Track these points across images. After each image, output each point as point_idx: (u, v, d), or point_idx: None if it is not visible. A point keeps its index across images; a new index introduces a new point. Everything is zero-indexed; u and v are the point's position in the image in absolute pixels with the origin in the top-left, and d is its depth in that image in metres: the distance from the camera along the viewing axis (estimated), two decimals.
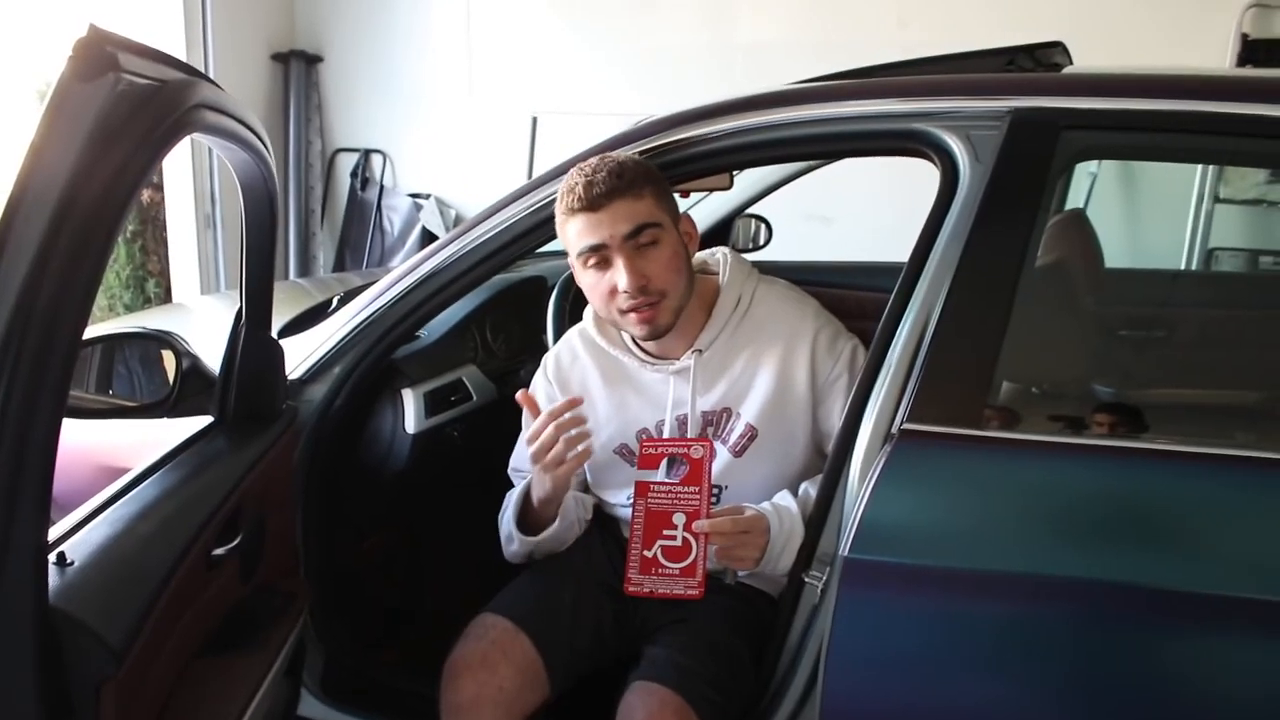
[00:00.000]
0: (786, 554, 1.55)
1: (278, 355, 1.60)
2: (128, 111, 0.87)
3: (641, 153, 1.63)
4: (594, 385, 1.77)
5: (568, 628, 1.68)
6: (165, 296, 5.08)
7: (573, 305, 2.18)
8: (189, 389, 1.56)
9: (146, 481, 1.28)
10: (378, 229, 5.11)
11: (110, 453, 1.93)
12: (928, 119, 1.48)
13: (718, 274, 1.74)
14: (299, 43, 5.12)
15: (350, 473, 1.91)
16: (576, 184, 1.56)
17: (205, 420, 1.57)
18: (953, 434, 1.34)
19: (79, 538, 1.10)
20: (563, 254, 2.75)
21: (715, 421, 1.70)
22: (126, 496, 1.23)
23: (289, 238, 5.14)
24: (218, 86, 1.09)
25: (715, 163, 1.62)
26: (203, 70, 4.41)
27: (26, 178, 0.79)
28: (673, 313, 1.63)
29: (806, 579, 1.46)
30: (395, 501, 2.01)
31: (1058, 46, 1.81)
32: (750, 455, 1.69)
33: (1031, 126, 1.41)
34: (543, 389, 1.81)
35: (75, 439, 1.99)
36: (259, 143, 1.28)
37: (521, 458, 1.81)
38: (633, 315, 1.61)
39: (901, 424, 1.36)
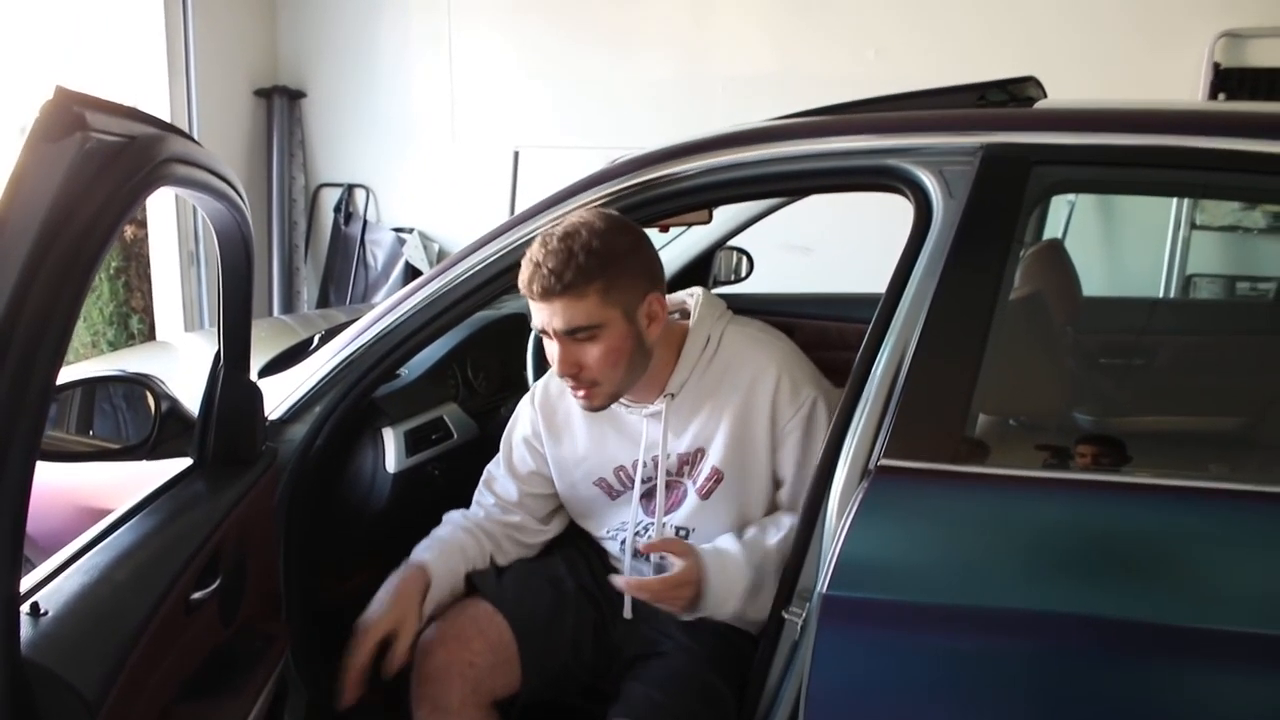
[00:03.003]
0: (733, 599, 1.58)
1: (257, 397, 1.60)
2: (95, 169, 0.87)
3: (616, 192, 1.63)
4: (576, 419, 1.79)
5: (545, 622, 1.71)
6: (149, 333, 5.07)
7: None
8: (168, 431, 1.56)
9: (123, 527, 1.28)
10: (361, 264, 5.12)
11: (90, 494, 1.93)
12: (901, 155, 1.49)
13: (680, 319, 1.75)
14: (282, 78, 5.14)
15: (331, 512, 1.90)
16: (528, 265, 1.55)
17: (185, 462, 1.56)
18: (930, 469, 1.35)
19: (53, 587, 1.09)
20: None
21: (690, 461, 1.71)
22: (102, 543, 1.22)
23: (273, 273, 5.15)
24: (190, 139, 1.10)
25: (690, 201, 1.63)
26: (186, 105, 4.45)
27: None
28: (608, 397, 1.63)
29: (786, 615, 1.46)
30: (377, 541, 2.00)
31: (1030, 80, 1.83)
32: (716, 497, 1.70)
33: (1003, 162, 1.43)
34: (527, 415, 1.84)
35: (54, 480, 1.98)
36: (232, 191, 1.29)
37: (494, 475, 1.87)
38: (570, 389, 1.64)
39: (878, 460, 1.36)
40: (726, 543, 1.64)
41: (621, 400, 1.70)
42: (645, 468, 1.72)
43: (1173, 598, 1.26)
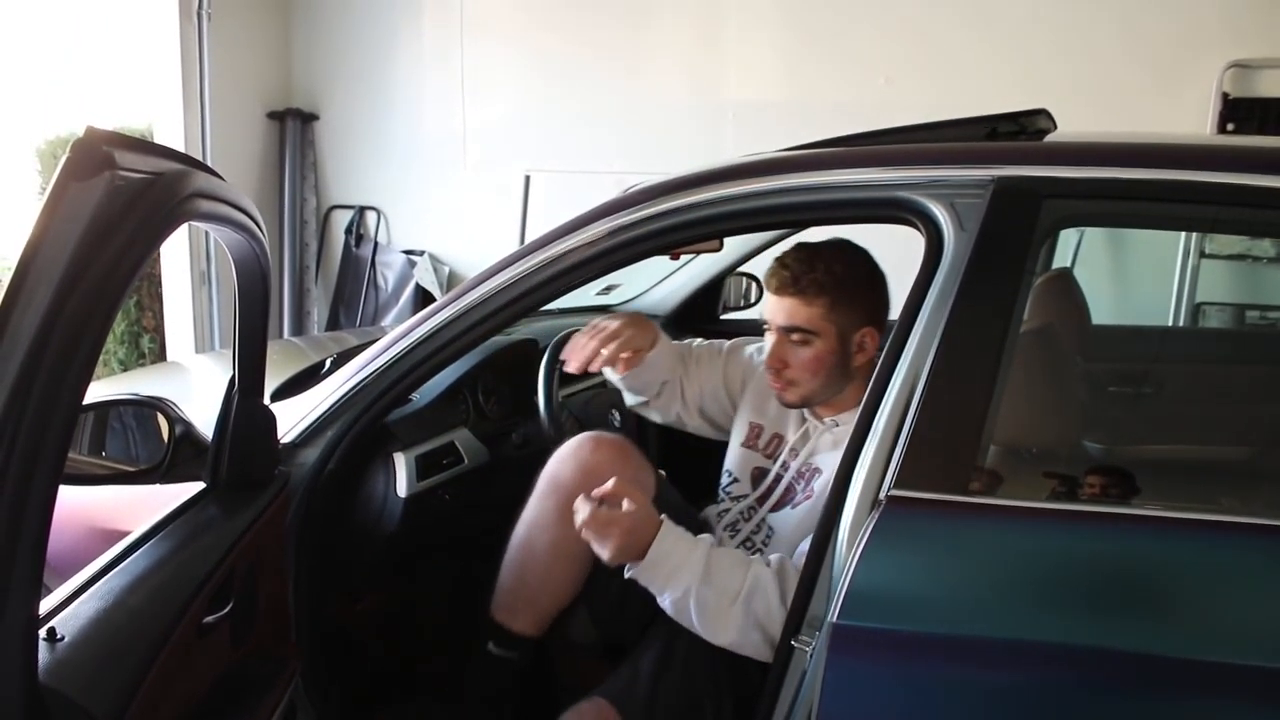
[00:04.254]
0: (674, 582, 1.57)
1: (270, 422, 1.61)
2: (122, 206, 0.89)
3: (628, 223, 1.64)
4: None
5: (676, 500, 1.87)
6: (160, 353, 5.09)
7: (563, 367, 2.19)
8: (181, 455, 1.57)
9: (138, 552, 1.29)
10: (372, 286, 5.14)
11: (102, 515, 1.94)
12: (913, 188, 1.50)
13: None
14: (295, 101, 5.18)
15: (342, 536, 1.91)
16: (775, 262, 1.78)
17: (198, 486, 1.58)
18: (941, 500, 1.35)
19: (69, 612, 1.10)
20: (555, 314, 2.79)
21: (805, 475, 1.82)
22: (118, 568, 1.23)
23: (283, 294, 5.17)
24: (213, 174, 1.11)
25: (702, 231, 1.63)
26: (200, 127, 4.49)
27: (23, 274, 0.81)
28: (801, 399, 1.81)
29: (795, 644, 1.45)
30: (387, 564, 2.00)
31: (1041, 113, 1.84)
32: (800, 509, 1.78)
33: (1014, 195, 1.43)
34: (752, 353, 2.02)
35: (66, 500, 1.99)
36: (252, 223, 1.30)
37: None
38: (770, 380, 1.81)
39: (889, 490, 1.36)
40: (706, 542, 1.63)
41: None
42: (785, 456, 1.85)
43: (1189, 632, 1.26)
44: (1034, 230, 1.42)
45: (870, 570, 1.33)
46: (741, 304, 3.09)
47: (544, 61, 4.77)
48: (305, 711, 1.80)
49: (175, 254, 4.83)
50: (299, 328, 5.22)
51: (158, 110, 4.77)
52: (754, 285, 3.07)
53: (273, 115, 5.13)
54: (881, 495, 1.37)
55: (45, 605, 1.12)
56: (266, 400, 1.97)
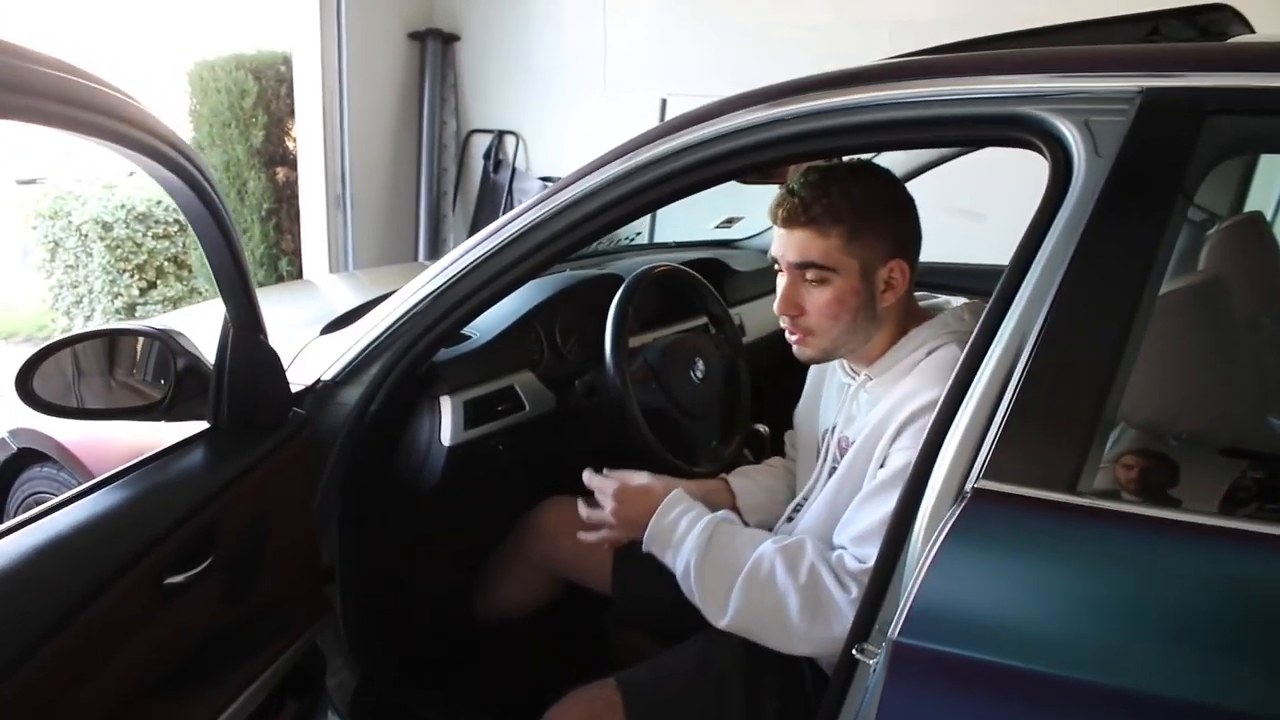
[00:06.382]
0: (677, 554, 1.47)
1: (273, 360, 1.43)
2: None
3: (698, 141, 1.40)
4: (829, 373, 1.70)
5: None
6: (297, 275, 5.12)
7: (636, 310, 1.94)
8: (186, 391, 1.41)
9: (79, 502, 1.12)
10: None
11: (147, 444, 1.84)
12: (1037, 101, 1.19)
13: (933, 315, 1.56)
14: (436, 21, 5.06)
15: (386, 486, 1.74)
16: (781, 191, 1.50)
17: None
18: (1041, 499, 1.06)
19: None
20: (670, 248, 2.55)
21: (844, 448, 1.56)
22: (44, 520, 1.07)
23: (420, 219, 5.10)
24: (92, 82, 0.89)
25: (784, 151, 1.37)
26: (336, 48, 4.38)
27: None
28: (820, 351, 1.54)
29: (858, 656, 1.20)
30: (432, 519, 1.83)
31: (1224, 10, 1.47)
32: (830, 483, 1.54)
33: (1167, 111, 1.11)
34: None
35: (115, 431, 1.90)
36: (161, 145, 1.06)
37: None
38: (786, 329, 1.55)
39: (977, 480, 1.09)
40: (718, 516, 1.51)
41: (844, 362, 1.61)
42: (831, 440, 1.61)
43: None
44: (1191, 155, 1.10)
45: (946, 578, 1.07)
46: None
47: None
48: (347, 667, 1.69)
49: (311, 178, 4.82)
50: (435, 255, 5.15)
51: (297, 32, 4.72)
52: None
53: (414, 36, 5.01)
54: (968, 487, 1.09)
55: None
56: (318, 333, 1.83)
